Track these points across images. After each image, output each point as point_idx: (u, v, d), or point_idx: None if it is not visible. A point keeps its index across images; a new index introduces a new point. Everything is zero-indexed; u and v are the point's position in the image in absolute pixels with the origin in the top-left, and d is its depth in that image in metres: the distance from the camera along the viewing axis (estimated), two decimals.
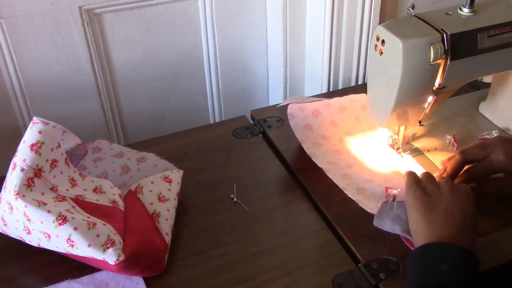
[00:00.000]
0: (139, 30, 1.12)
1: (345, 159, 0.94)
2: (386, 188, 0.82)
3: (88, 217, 0.73)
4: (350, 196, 0.85)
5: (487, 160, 0.82)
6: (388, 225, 0.79)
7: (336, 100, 1.00)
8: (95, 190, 0.79)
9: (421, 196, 0.72)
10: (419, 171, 0.87)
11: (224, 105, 1.32)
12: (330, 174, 0.89)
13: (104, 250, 0.70)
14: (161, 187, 0.82)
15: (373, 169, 0.92)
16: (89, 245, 0.70)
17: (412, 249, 0.74)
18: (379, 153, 0.96)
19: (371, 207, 0.83)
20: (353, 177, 0.89)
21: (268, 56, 1.28)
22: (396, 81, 0.80)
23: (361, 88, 1.20)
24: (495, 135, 0.97)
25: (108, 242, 0.71)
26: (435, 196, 0.72)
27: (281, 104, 1.01)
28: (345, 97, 1.01)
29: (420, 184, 0.75)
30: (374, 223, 0.80)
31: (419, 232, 0.70)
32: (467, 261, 0.65)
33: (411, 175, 0.77)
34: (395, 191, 0.80)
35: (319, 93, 1.23)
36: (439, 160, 0.92)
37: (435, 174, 0.84)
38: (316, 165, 0.91)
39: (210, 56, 1.23)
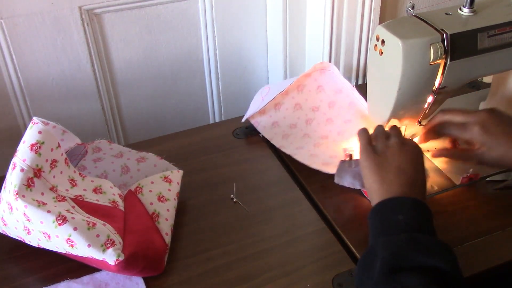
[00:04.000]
0: (139, 30, 1.12)
1: (312, 141, 0.98)
2: (344, 149, 0.90)
3: (88, 217, 0.73)
4: (315, 168, 0.91)
5: (463, 124, 0.83)
6: (348, 181, 0.85)
7: (291, 84, 1.01)
8: (95, 190, 0.79)
9: (373, 157, 0.75)
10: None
11: (224, 105, 1.32)
12: (298, 158, 0.93)
13: (104, 250, 0.70)
14: (161, 187, 0.82)
15: (339, 145, 0.96)
16: (89, 245, 0.70)
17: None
18: (346, 115, 1.00)
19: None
20: (319, 156, 0.94)
21: (268, 56, 1.28)
22: (396, 81, 0.80)
23: (361, 88, 1.20)
24: None
25: (108, 242, 0.71)
26: (386, 155, 0.75)
27: (244, 120, 1.03)
28: (298, 77, 1.02)
29: (371, 145, 0.78)
30: (335, 180, 0.86)
31: (373, 191, 0.73)
32: (420, 211, 0.69)
33: (363, 136, 0.80)
34: (351, 152, 0.87)
35: None
36: (439, 160, 0.92)
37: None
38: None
39: (210, 56, 1.23)
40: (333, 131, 0.99)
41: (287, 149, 0.96)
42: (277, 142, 0.98)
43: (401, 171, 0.73)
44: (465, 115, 0.83)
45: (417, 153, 0.76)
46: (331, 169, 0.89)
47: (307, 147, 0.96)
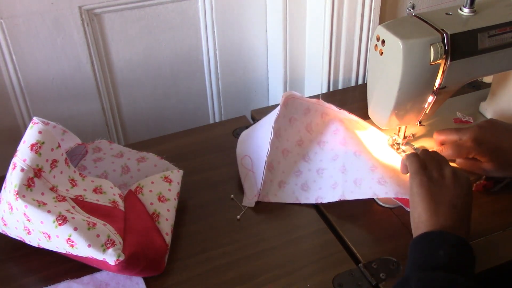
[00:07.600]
0: (139, 30, 1.12)
1: (315, 165, 0.90)
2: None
3: (88, 217, 0.73)
4: (342, 198, 0.83)
5: (457, 143, 0.86)
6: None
7: (266, 127, 0.90)
8: (95, 190, 0.79)
9: (428, 186, 0.72)
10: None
11: (224, 105, 1.32)
12: (327, 199, 0.85)
13: (104, 250, 0.70)
14: (161, 187, 0.82)
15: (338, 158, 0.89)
16: (89, 245, 0.70)
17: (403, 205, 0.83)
18: (328, 127, 0.92)
19: (367, 192, 0.82)
20: (339, 184, 0.86)
21: (268, 56, 1.28)
22: (396, 81, 0.80)
23: (361, 88, 1.20)
24: None
25: (108, 242, 0.71)
26: (441, 186, 0.73)
27: (245, 205, 0.88)
28: (272, 125, 0.88)
29: (425, 171, 0.74)
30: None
31: (422, 221, 0.71)
32: (463, 251, 0.68)
33: (414, 160, 0.76)
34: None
35: (319, 93, 1.23)
36: None
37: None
38: None
39: (210, 56, 1.23)
40: (336, 149, 0.90)
41: (309, 199, 0.87)
42: (291, 199, 0.87)
43: (453, 206, 0.71)
44: (457, 133, 0.86)
45: (469, 188, 0.74)
46: (359, 192, 0.83)
47: (320, 178, 0.88)
